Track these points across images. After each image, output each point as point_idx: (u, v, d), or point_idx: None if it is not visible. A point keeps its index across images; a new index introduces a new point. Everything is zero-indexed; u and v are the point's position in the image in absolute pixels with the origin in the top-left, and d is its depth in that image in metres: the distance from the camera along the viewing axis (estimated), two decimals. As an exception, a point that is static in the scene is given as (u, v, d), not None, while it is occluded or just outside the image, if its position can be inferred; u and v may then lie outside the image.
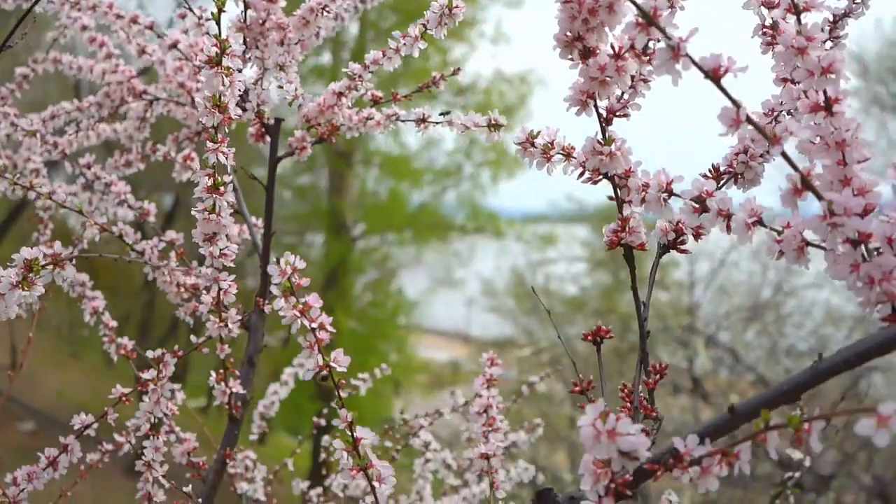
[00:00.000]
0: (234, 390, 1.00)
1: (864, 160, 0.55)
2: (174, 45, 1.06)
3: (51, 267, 0.68)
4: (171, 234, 1.07)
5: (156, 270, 1.03)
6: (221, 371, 0.99)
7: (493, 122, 0.85)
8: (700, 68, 0.52)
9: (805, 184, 0.52)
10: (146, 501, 0.97)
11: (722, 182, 0.71)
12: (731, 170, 0.71)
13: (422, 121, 0.96)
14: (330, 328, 0.64)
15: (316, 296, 0.64)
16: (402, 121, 0.98)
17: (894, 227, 0.54)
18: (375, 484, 0.67)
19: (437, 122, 0.96)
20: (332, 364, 0.65)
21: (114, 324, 1.12)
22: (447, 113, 0.91)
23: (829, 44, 0.75)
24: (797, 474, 1.11)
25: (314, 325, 0.64)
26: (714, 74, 0.52)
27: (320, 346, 0.65)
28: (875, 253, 0.54)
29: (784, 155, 0.52)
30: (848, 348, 0.51)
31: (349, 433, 0.66)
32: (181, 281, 1.04)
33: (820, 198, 0.52)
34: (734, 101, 0.52)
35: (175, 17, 1.15)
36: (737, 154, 0.71)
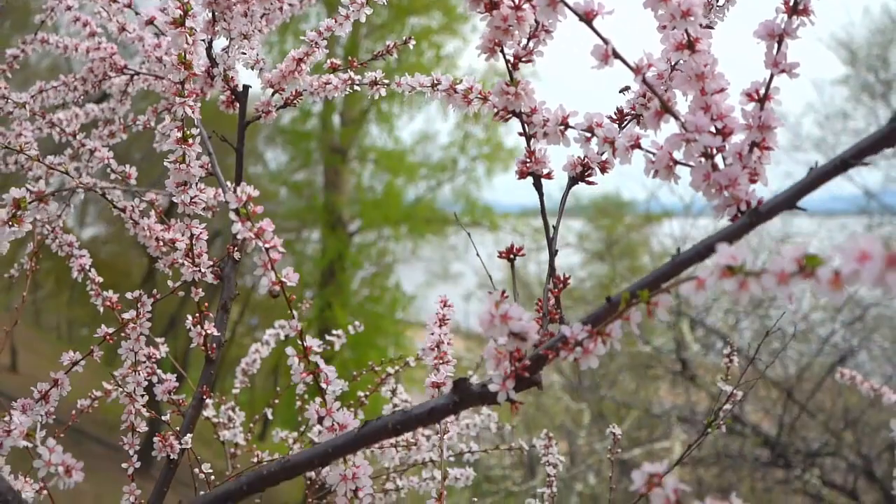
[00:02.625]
0: (209, 332, 1.10)
1: (721, 90, 0.65)
2: (150, 22, 1.16)
3: (36, 203, 0.78)
4: (150, 195, 1.17)
5: (136, 226, 1.12)
6: (197, 314, 1.09)
7: (434, 81, 0.95)
8: (575, 12, 0.62)
9: (664, 107, 0.62)
10: (130, 431, 1.07)
11: (626, 122, 0.81)
12: (633, 111, 0.80)
13: (374, 83, 1.07)
14: (281, 249, 0.74)
15: (269, 220, 0.74)
16: (358, 84, 1.08)
17: (743, 144, 0.64)
18: (323, 385, 0.77)
19: (387, 84, 1.06)
20: (283, 279, 0.75)
21: (100, 279, 1.22)
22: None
23: (721, 0, 0.85)
24: (728, 406, 1.21)
25: (268, 246, 0.74)
26: (587, 17, 0.62)
27: (273, 265, 0.74)
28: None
29: (645, 82, 0.62)
30: (699, 243, 0.61)
31: (300, 342, 0.76)
32: (160, 236, 1.13)
33: (677, 118, 0.62)
34: (604, 39, 0.62)
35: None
36: (638, 97, 0.81)
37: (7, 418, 0.76)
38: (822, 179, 0.57)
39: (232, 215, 0.74)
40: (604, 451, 6.54)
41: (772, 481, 6.21)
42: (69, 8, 1.31)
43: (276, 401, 1.58)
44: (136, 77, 1.32)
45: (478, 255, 1.03)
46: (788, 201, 0.58)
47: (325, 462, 0.71)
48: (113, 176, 1.20)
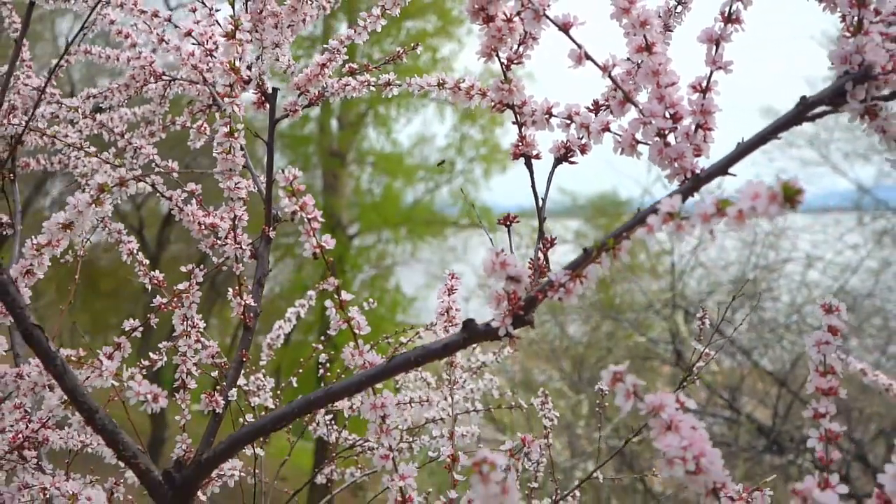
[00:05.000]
0: (247, 303, 1.26)
1: (673, 84, 0.82)
2: (189, 34, 1.32)
3: (118, 187, 0.94)
4: (191, 186, 1.34)
5: (181, 212, 1.29)
6: (237, 287, 1.25)
7: (440, 81, 1.12)
8: (556, 24, 0.79)
9: (626, 98, 0.79)
10: (182, 389, 1.23)
11: (601, 111, 0.97)
12: (606, 103, 0.97)
13: (387, 84, 1.23)
14: (320, 219, 0.91)
15: (311, 196, 0.90)
16: (373, 86, 1.25)
17: (689, 126, 0.81)
18: (356, 331, 0.93)
19: (399, 85, 1.23)
20: (323, 244, 0.91)
21: (146, 261, 1.38)
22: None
23: (679, 8, 1.02)
24: (703, 363, 1.37)
25: (310, 217, 0.90)
26: (564, 27, 0.79)
27: (314, 232, 0.91)
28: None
29: (612, 79, 0.79)
30: (654, 203, 0.78)
31: (337, 296, 0.93)
32: (202, 220, 1.30)
33: (636, 106, 0.79)
34: (578, 45, 0.79)
35: (187, 10, 1.42)
36: (610, 91, 0.97)
37: (97, 363, 0.92)
38: (747, 151, 0.74)
39: (280, 192, 0.90)
40: (602, 440, 6.72)
41: (767, 467, 6.38)
42: (112, 22, 1.48)
43: (301, 370, 1.75)
44: (173, 82, 1.49)
45: (496, 248, 1.18)
46: (721, 169, 0.75)
47: (360, 389, 0.87)
48: (157, 170, 1.36)
